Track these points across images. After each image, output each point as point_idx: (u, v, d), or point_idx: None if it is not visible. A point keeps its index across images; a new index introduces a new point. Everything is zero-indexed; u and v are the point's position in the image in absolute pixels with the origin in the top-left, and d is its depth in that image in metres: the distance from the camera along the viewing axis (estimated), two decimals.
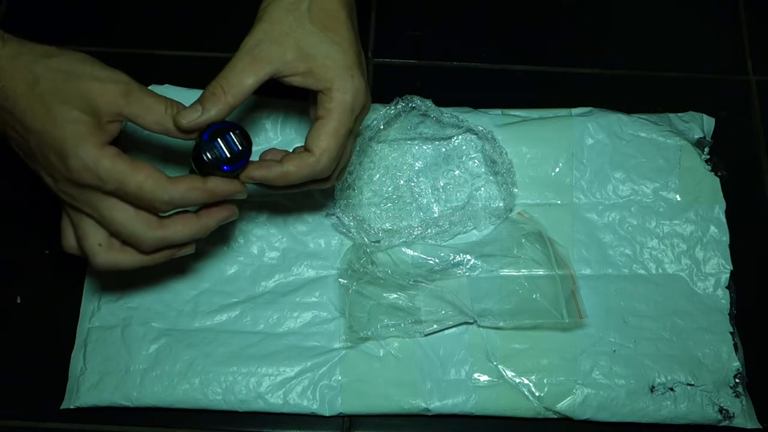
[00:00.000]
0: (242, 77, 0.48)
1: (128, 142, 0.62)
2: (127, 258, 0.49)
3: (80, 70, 0.46)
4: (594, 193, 0.64)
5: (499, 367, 0.59)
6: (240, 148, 0.47)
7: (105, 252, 0.48)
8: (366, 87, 0.50)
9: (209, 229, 0.50)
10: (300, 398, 0.58)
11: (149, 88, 0.64)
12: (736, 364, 0.59)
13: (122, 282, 0.61)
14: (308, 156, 0.49)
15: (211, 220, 0.49)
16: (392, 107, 0.62)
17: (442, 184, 0.64)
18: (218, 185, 0.47)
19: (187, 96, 0.65)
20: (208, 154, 0.47)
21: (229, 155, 0.47)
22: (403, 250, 0.61)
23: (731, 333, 0.60)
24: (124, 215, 0.47)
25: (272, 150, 0.53)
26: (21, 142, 0.47)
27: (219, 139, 0.47)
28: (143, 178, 0.45)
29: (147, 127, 0.47)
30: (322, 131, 0.49)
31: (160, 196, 0.46)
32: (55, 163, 0.45)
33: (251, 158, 0.48)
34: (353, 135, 0.52)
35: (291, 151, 0.51)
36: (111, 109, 0.46)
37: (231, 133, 0.47)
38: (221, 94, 0.47)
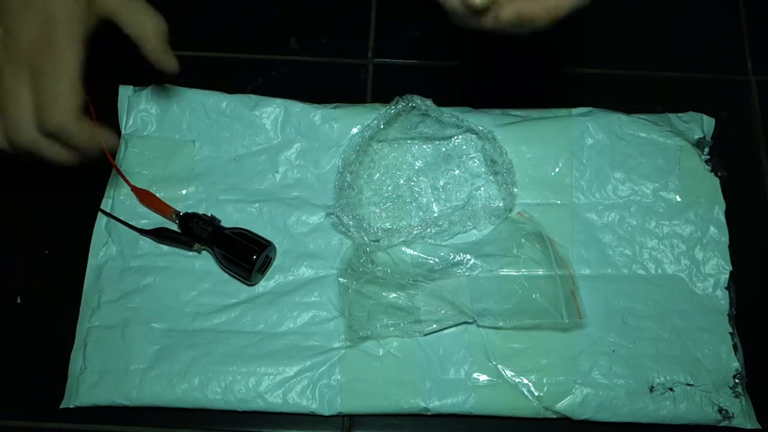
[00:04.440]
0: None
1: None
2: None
3: None
4: (594, 193, 0.64)
5: (499, 366, 0.59)
6: None
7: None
8: None
9: (93, 137, 0.50)
10: (299, 398, 0.58)
11: (150, 87, 0.65)
12: (736, 364, 0.59)
13: (123, 282, 0.61)
14: None
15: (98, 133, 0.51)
16: (392, 107, 0.62)
17: (442, 184, 0.64)
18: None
19: (187, 96, 0.65)
20: None
21: None
22: (403, 249, 0.61)
23: (730, 333, 0.60)
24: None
25: None
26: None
27: None
28: (70, 55, 0.48)
29: (131, 33, 0.51)
30: None
31: (64, 92, 0.48)
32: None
33: None
34: None
35: None
36: (108, 6, 0.50)
37: None
38: None
